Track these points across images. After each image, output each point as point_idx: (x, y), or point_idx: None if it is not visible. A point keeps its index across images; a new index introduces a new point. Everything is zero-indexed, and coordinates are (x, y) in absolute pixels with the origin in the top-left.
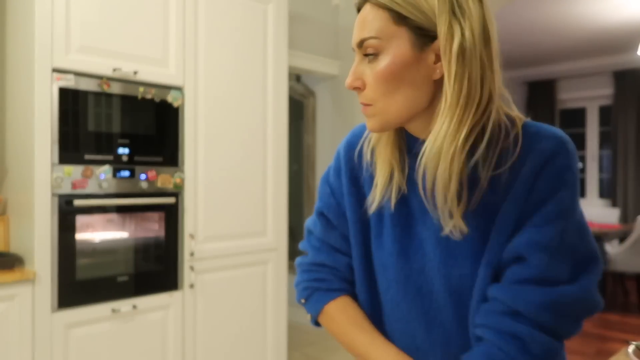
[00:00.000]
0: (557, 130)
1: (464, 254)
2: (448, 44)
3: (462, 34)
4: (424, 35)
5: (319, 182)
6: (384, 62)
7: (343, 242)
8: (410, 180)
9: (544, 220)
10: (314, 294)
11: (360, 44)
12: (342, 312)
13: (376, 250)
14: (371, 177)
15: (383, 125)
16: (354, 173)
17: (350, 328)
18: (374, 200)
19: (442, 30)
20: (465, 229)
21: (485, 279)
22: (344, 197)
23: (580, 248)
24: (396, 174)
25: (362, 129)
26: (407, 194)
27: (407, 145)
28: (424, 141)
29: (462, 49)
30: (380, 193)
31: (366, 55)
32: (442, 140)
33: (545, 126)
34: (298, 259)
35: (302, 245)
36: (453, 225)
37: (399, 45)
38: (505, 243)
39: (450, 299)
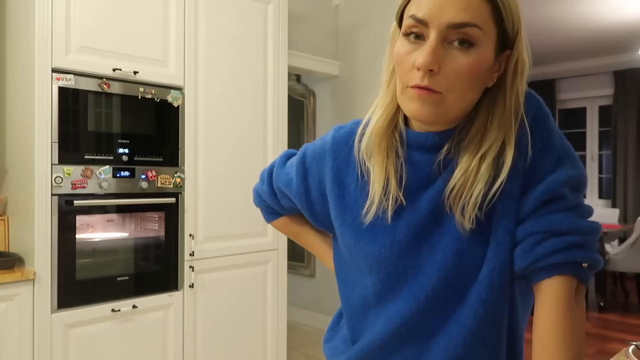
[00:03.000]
0: None
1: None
2: (524, 57)
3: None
4: (503, 43)
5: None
6: (475, 56)
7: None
8: (412, 184)
9: (555, 163)
10: (264, 211)
11: (460, 26)
12: (283, 226)
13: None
14: (357, 179)
15: (439, 119)
16: (340, 174)
17: (292, 235)
18: (369, 211)
19: (522, 42)
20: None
21: (509, 240)
22: (327, 200)
23: (577, 172)
24: (392, 184)
25: (353, 130)
26: (412, 202)
27: (409, 142)
28: (431, 134)
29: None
30: (376, 204)
31: (459, 41)
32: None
33: None
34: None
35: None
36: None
37: (489, 45)
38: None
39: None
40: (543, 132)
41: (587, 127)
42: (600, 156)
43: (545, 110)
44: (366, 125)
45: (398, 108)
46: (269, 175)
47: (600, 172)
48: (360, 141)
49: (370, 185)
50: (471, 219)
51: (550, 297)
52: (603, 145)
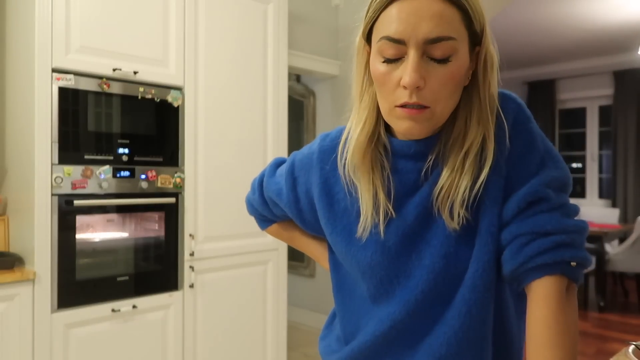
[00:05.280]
0: (501, 91)
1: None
2: (492, 51)
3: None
4: (473, 42)
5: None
6: (454, 64)
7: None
8: (398, 193)
9: (537, 166)
10: (258, 219)
11: (436, 40)
12: (276, 232)
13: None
14: (346, 192)
15: (430, 131)
16: (328, 183)
17: (287, 240)
18: (364, 229)
19: (488, 38)
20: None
21: (492, 242)
22: (316, 209)
23: (561, 173)
24: (381, 197)
25: (338, 139)
26: (399, 210)
27: (394, 151)
28: (414, 142)
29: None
30: (370, 220)
31: (437, 53)
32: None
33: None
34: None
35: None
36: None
37: (464, 49)
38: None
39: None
40: (525, 136)
41: (587, 127)
42: (600, 156)
43: (526, 113)
44: (346, 142)
45: (377, 121)
46: (260, 184)
47: (600, 172)
48: (342, 159)
49: (360, 202)
50: (460, 217)
51: (540, 298)
52: (603, 145)
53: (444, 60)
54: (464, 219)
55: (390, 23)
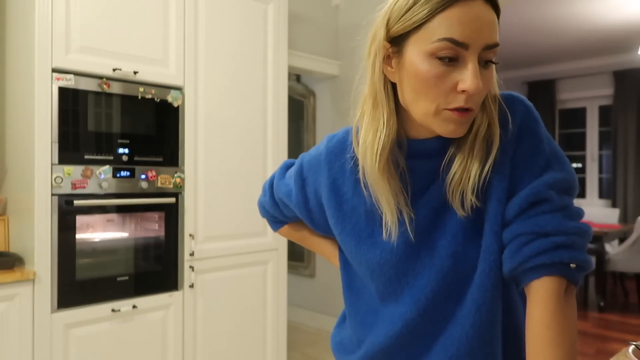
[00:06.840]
0: (510, 93)
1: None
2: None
3: None
4: None
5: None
6: (493, 69)
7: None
8: (413, 195)
9: (542, 168)
10: (270, 221)
11: (492, 46)
12: (288, 233)
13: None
14: (354, 188)
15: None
16: (336, 183)
17: (298, 240)
18: (392, 233)
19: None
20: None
21: (496, 242)
22: (324, 209)
23: (566, 175)
24: (400, 199)
25: (345, 139)
26: (415, 206)
27: (409, 151)
28: (428, 139)
29: None
30: (391, 220)
31: (486, 60)
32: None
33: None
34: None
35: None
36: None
37: None
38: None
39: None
40: (531, 137)
41: (587, 127)
42: (600, 156)
43: (534, 115)
44: (358, 140)
45: (398, 123)
46: (270, 186)
47: (600, 172)
48: (353, 157)
49: (380, 204)
50: (471, 204)
51: (539, 298)
52: (603, 145)
53: (489, 66)
54: (474, 205)
55: (454, 25)
